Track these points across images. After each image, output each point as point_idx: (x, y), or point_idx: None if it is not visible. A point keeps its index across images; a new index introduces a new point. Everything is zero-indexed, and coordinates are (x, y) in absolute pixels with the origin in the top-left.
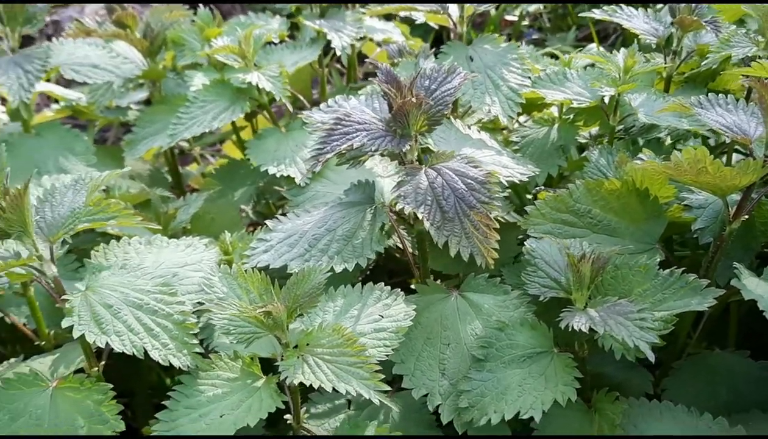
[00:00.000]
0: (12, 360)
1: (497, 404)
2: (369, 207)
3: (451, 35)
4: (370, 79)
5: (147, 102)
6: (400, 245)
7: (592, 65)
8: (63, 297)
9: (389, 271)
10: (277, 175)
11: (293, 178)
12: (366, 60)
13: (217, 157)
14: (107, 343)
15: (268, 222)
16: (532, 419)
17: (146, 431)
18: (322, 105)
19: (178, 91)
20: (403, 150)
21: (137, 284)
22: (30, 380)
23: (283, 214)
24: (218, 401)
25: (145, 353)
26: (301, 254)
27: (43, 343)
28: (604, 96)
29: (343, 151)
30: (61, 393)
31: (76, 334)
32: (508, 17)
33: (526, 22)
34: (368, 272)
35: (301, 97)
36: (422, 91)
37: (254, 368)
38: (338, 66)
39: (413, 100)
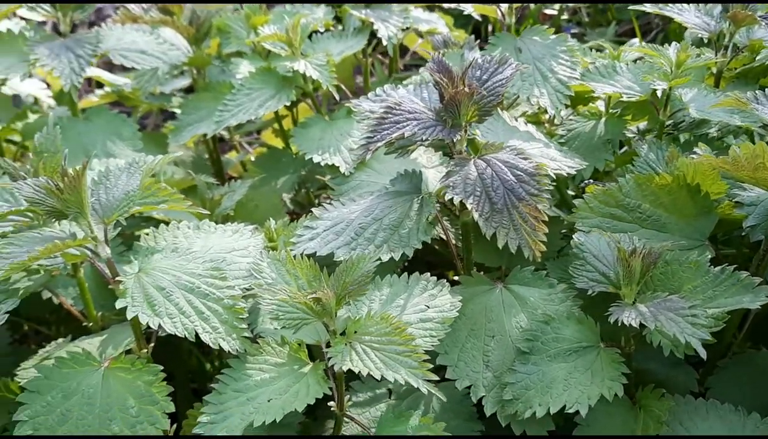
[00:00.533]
0: (60, 340)
1: (542, 398)
2: (416, 197)
3: (489, 27)
4: (411, 69)
5: (188, 89)
6: (443, 236)
7: (640, 59)
8: (116, 279)
9: (427, 263)
10: (322, 163)
11: (337, 167)
12: (409, 51)
13: (255, 146)
14: (159, 325)
15: (314, 210)
16: (574, 413)
17: (193, 414)
18: (369, 94)
19: (222, 78)
20: (454, 140)
21: (189, 267)
22: (83, 359)
23: (321, 204)
24: (266, 385)
25: (196, 335)
26: (348, 242)
27: (90, 324)
28: (656, 90)
29: (392, 140)
30: (113, 373)
31: (129, 315)
32: (548, 11)
33: (565, 17)
34: (406, 264)
35: (344, 87)
36: (474, 81)
37: (301, 354)
38: (379, 57)
39: (466, 89)
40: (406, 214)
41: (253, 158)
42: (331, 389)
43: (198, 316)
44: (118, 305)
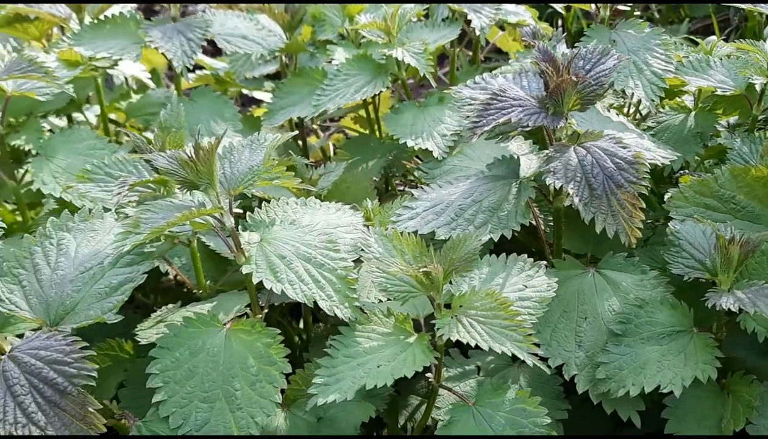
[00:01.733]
0: (170, 306)
1: (635, 378)
2: (514, 181)
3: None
4: (490, 61)
5: (273, 76)
6: (532, 222)
7: (731, 55)
8: (241, 247)
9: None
10: (416, 148)
11: (430, 151)
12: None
13: (332, 131)
14: (282, 290)
15: (413, 191)
16: (662, 396)
17: (295, 380)
18: (468, 82)
19: (311, 65)
20: (557, 126)
21: (306, 239)
22: (207, 320)
23: (402, 191)
24: (374, 352)
25: (315, 302)
26: (448, 222)
27: (200, 292)
28: (754, 84)
29: (492, 128)
30: (235, 334)
31: (255, 280)
32: (620, 7)
33: (637, 13)
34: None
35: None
36: (578, 71)
37: (406, 325)
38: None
39: (572, 78)
40: (505, 198)
41: (332, 144)
42: None
43: (315, 284)
44: (245, 270)
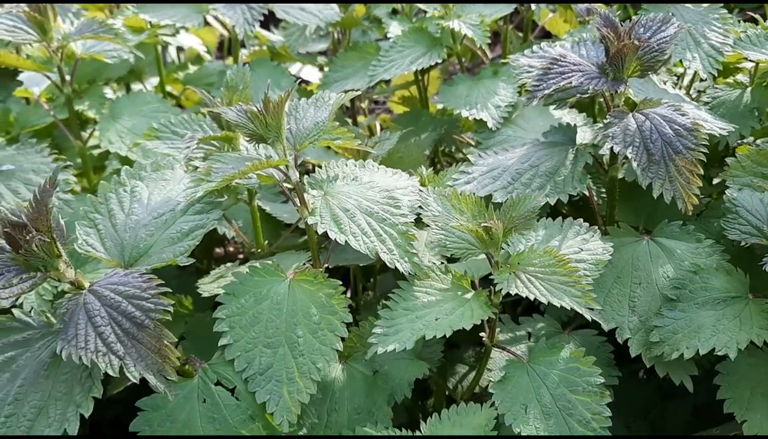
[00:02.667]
0: (228, 264)
1: (690, 341)
2: (571, 148)
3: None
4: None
5: (324, 54)
6: (585, 193)
7: None
8: (305, 199)
9: None
10: (470, 118)
11: (485, 121)
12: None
13: (380, 112)
14: (345, 242)
15: (469, 157)
16: (716, 363)
17: (356, 332)
18: (526, 51)
19: (363, 39)
20: (618, 91)
21: (368, 194)
22: (272, 270)
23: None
24: (432, 306)
25: (377, 254)
26: (504, 186)
27: (258, 251)
28: None
29: (551, 93)
30: (298, 284)
31: (320, 230)
32: None
33: None
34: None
35: (479, 52)
36: (638, 37)
37: (464, 282)
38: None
39: (634, 43)
40: (562, 163)
41: (378, 124)
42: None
43: (377, 237)
44: (310, 221)
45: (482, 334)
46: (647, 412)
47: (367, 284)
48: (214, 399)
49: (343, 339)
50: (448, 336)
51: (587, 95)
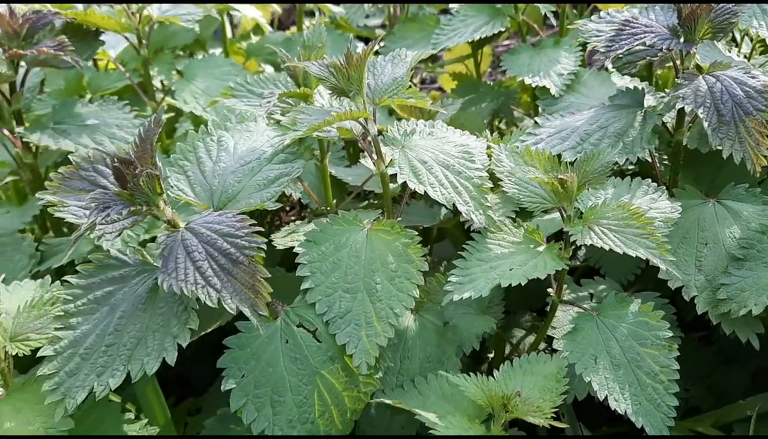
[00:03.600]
0: (298, 222)
1: (758, 298)
2: (639, 110)
3: None
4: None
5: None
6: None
7: None
8: (383, 152)
9: None
10: (533, 85)
11: (547, 88)
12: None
13: (429, 91)
14: (424, 192)
15: (536, 119)
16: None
17: (423, 288)
18: (593, 17)
19: (420, 13)
20: (690, 51)
21: (444, 148)
22: (350, 219)
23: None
24: (506, 258)
25: (454, 205)
26: (573, 146)
27: (327, 209)
28: None
29: (620, 56)
30: (375, 234)
31: (399, 180)
32: None
33: None
34: None
35: (535, 26)
36: None
37: (536, 236)
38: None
39: (706, 5)
40: (630, 124)
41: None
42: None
43: (453, 189)
44: (390, 171)
45: (549, 289)
46: (706, 376)
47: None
48: (297, 340)
49: (419, 287)
50: (523, 285)
51: (657, 58)
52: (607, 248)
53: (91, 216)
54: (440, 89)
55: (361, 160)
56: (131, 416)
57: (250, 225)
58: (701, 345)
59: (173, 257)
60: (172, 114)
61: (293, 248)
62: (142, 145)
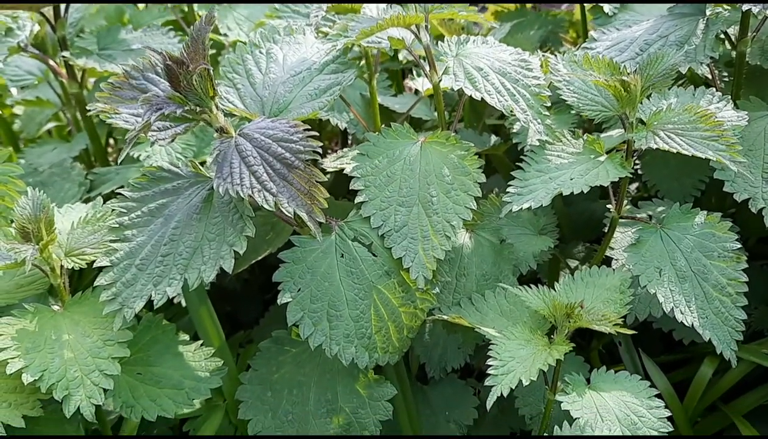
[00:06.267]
0: (345, 149)
1: None
2: (701, 17)
3: None
4: None
5: None
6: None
7: None
8: (435, 65)
9: None
10: (587, 6)
11: (601, 6)
12: None
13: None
14: (482, 98)
15: (592, 33)
16: None
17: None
18: None
19: None
20: None
21: (501, 56)
22: (404, 132)
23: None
24: (566, 168)
25: (511, 112)
26: (632, 57)
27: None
28: None
29: None
30: (429, 146)
31: (455, 87)
32: None
33: None
34: None
35: None
36: None
37: (596, 146)
38: None
39: None
40: (693, 32)
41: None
42: (605, 190)
43: (510, 97)
44: (444, 82)
45: (608, 206)
46: None
47: None
48: (352, 254)
49: (476, 199)
50: (585, 192)
51: None
52: (673, 150)
53: (146, 115)
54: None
55: (408, 81)
56: (186, 337)
57: (305, 130)
58: (765, 269)
59: (227, 162)
60: (214, 51)
61: (343, 176)
62: (194, 45)
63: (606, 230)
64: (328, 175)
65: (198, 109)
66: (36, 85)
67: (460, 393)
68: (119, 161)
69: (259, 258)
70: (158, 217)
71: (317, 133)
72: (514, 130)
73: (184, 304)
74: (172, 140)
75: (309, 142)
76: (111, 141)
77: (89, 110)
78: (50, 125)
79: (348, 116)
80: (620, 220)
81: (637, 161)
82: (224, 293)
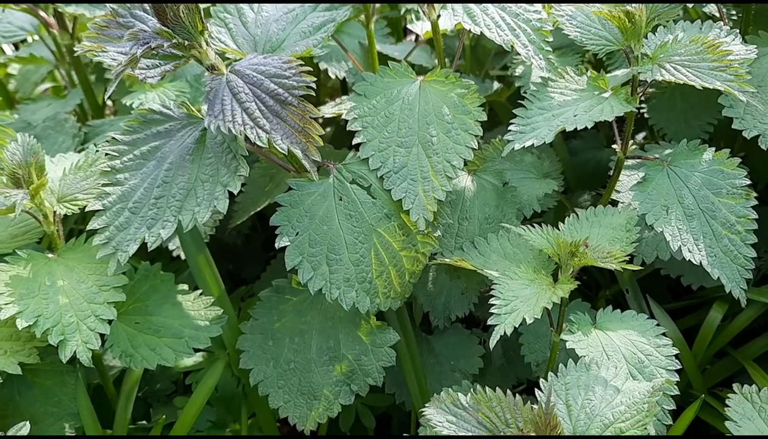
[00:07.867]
0: (344, 97)
1: None
2: None
3: None
4: None
5: None
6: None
7: None
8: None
9: None
10: None
11: None
12: None
13: None
14: (481, 33)
15: None
16: None
17: (478, 153)
18: None
19: None
20: None
21: None
22: (402, 71)
23: None
24: (569, 105)
25: (512, 47)
26: None
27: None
28: None
29: None
30: (429, 85)
31: (453, 21)
32: None
33: None
34: None
35: None
36: None
37: (600, 82)
38: None
39: None
40: None
41: None
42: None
43: (510, 31)
44: (443, 17)
45: (614, 146)
46: None
47: None
48: (351, 197)
49: (477, 137)
50: (589, 128)
51: None
52: (681, 81)
53: (132, 49)
54: None
55: (408, 26)
56: (185, 286)
57: (298, 65)
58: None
59: (219, 99)
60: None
61: (344, 129)
62: None
63: (611, 173)
64: (328, 128)
65: (186, 43)
66: (30, 43)
67: (466, 342)
68: (107, 96)
69: (258, 209)
70: (151, 159)
71: (311, 69)
72: (517, 74)
73: (183, 258)
74: (162, 78)
75: (302, 78)
76: (109, 103)
77: (79, 52)
78: (47, 85)
79: (347, 66)
80: (626, 161)
81: (643, 106)
82: (226, 250)
